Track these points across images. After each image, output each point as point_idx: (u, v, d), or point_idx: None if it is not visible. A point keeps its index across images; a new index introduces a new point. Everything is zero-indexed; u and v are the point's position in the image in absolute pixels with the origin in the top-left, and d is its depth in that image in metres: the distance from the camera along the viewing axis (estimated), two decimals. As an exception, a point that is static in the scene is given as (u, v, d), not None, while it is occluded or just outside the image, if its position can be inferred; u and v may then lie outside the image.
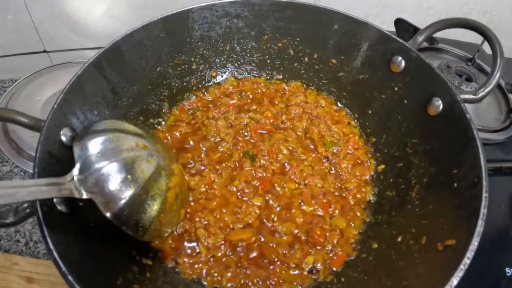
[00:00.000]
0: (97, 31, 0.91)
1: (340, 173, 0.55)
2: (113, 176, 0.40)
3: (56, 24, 0.88)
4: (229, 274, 0.47)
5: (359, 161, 0.57)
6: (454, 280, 0.35)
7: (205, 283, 0.47)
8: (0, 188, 0.34)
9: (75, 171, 0.39)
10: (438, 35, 0.67)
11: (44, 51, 0.93)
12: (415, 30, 0.77)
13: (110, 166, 0.41)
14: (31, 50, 0.93)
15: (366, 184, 0.56)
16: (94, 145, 0.41)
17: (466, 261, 0.36)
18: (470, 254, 0.37)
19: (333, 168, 0.56)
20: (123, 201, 0.40)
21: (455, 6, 0.94)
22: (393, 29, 0.82)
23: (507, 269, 0.60)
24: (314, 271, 0.48)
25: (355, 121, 0.63)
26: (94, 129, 0.44)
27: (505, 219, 0.67)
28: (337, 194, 0.54)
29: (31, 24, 0.86)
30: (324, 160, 0.57)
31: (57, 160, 0.43)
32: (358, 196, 0.54)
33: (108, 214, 0.39)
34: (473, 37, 0.84)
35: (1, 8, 0.82)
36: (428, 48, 0.86)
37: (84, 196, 0.38)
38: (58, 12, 0.86)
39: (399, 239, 0.46)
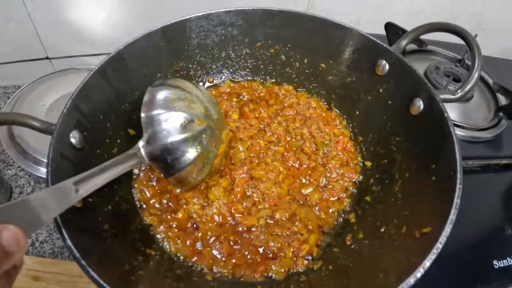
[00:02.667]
0: (98, 38, 0.95)
1: (327, 173, 0.61)
2: (173, 150, 0.51)
3: (58, 32, 0.92)
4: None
5: (346, 161, 0.63)
6: (427, 262, 0.40)
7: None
8: (96, 175, 0.44)
9: (141, 142, 0.51)
10: (429, 37, 0.72)
11: (47, 58, 0.97)
12: (404, 33, 0.82)
13: (172, 142, 0.51)
14: (33, 57, 0.97)
15: (352, 183, 0.61)
16: (159, 120, 0.51)
17: (439, 245, 0.41)
18: (442, 239, 0.41)
19: (322, 167, 0.62)
20: (179, 171, 0.52)
21: (445, 9, 0.98)
22: (384, 32, 0.87)
23: (494, 262, 0.64)
24: (311, 258, 0.53)
25: (345, 122, 0.68)
26: (159, 100, 0.52)
27: (494, 213, 0.71)
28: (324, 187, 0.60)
29: (34, 31, 0.90)
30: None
31: (67, 160, 0.48)
32: (343, 195, 0.60)
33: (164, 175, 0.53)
34: (459, 39, 0.90)
35: (4, 17, 0.87)
36: (418, 50, 0.90)
37: (147, 162, 0.51)
38: (60, 20, 0.90)
39: (382, 230, 0.51)
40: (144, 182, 0.58)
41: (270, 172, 0.59)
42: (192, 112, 0.53)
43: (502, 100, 0.84)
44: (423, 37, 0.71)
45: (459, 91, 0.57)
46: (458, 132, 0.75)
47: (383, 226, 0.51)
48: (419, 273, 0.39)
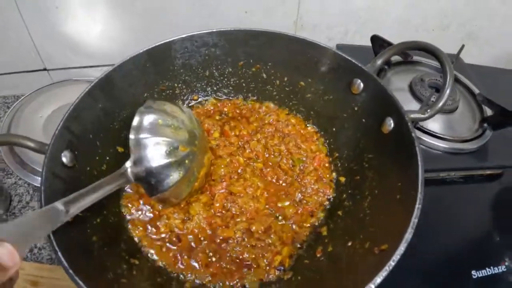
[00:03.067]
0: (94, 50, 0.99)
1: (303, 189, 0.66)
2: (157, 174, 0.56)
3: (56, 44, 0.96)
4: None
5: (322, 177, 0.67)
6: (378, 279, 0.43)
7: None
8: (85, 196, 0.49)
9: (129, 163, 0.55)
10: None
11: (45, 69, 1.02)
12: (390, 45, 0.85)
13: (156, 166, 0.55)
14: (32, 68, 1.01)
15: (326, 198, 0.66)
16: (146, 144, 0.55)
17: (391, 263, 0.44)
18: (396, 257, 0.44)
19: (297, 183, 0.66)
20: (161, 192, 0.56)
21: (434, 18, 1.01)
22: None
23: (473, 272, 0.66)
24: (282, 268, 0.58)
25: (322, 139, 0.72)
26: (146, 124, 0.57)
27: (474, 224, 0.74)
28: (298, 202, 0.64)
29: (32, 44, 0.95)
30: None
31: (59, 179, 0.54)
32: (318, 209, 0.64)
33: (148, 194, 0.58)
34: (451, 48, 0.91)
35: (2, 28, 0.91)
36: (404, 62, 0.92)
37: (133, 182, 0.56)
38: (57, 32, 0.94)
39: (349, 244, 0.55)
40: (131, 197, 0.64)
41: (248, 187, 0.63)
42: (177, 138, 0.57)
43: (488, 110, 0.85)
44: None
45: (428, 110, 0.60)
46: (441, 144, 0.78)
47: (350, 240, 0.55)
48: (369, 288, 0.43)
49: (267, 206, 0.64)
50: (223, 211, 0.62)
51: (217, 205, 0.62)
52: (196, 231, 0.60)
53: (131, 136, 0.56)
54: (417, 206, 0.49)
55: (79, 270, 0.45)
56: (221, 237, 0.60)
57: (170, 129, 0.58)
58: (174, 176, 0.57)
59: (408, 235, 0.46)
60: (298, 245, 0.61)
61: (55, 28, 0.94)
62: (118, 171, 0.55)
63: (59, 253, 0.46)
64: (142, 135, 0.56)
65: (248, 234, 0.60)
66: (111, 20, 0.94)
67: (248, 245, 0.59)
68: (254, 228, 0.60)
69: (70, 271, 0.45)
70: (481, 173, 0.81)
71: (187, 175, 0.58)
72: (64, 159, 0.55)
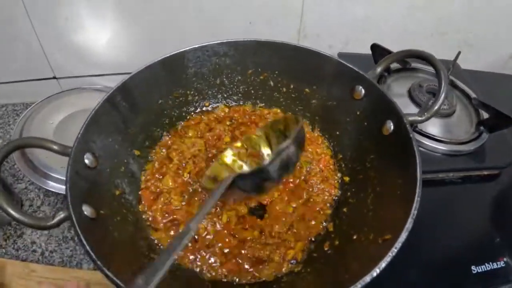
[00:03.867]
0: (102, 60, 1.06)
1: (309, 189, 0.72)
2: None
3: (65, 53, 1.02)
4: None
5: (327, 177, 0.73)
6: (383, 264, 0.48)
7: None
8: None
9: None
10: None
11: (54, 78, 1.08)
12: (389, 53, 0.90)
13: None
14: (41, 77, 1.07)
15: (332, 197, 0.72)
16: None
17: (394, 249, 0.49)
18: (398, 245, 0.49)
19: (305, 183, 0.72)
20: None
21: (430, 26, 1.07)
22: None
23: (473, 267, 0.72)
24: (295, 262, 0.64)
25: (327, 141, 0.79)
26: None
27: (472, 222, 0.80)
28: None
29: (42, 52, 1.00)
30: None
31: (82, 178, 0.59)
32: (325, 207, 0.70)
33: None
34: (448, 54, 0.98)
35: (14, 37, 0.97)
36: (403, 69, 0.99)
37: None
38: (67, 42, 1.00)
39: (355, 237, 0.61)
40: (147, 198, 0.70)
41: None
42: None
43: (484, 114, 0.91)
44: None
45: (425, 113, 0.66)
46: (440, 147, 0.83)
47: (356, 234, 0.61)
48: (375, 272, 0.48)
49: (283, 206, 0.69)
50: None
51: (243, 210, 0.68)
52: (213, 234, 0.66)
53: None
54: (416, 199, 0.54)
55: (105, 262, 0.50)
56: (240, 238, 0.65)
57: None
58: None
59: (409, 225, 0.51)
60: (310, 240, 0.67)
61: (65, 38, 0.99)
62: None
63: (87, 246, 0.51)
64: None
65: (267, 233, 0.66)
66: (119, 31, 1.00)
67: (265, 243, 0.65)
68: (277, 227, 0.66)
69: (98, 262, 0.49)
70: (478, 173, 0.86)
71: None
72: (86, 161, 0.61)
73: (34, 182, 0.84)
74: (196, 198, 0.70)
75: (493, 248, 0.76)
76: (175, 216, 0.68)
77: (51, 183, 0.84)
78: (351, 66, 0.72)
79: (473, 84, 1.01)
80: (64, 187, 0.82)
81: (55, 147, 0.61)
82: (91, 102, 0.99)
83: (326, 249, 0.64)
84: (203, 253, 0.64)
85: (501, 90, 1.10)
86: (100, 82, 1.11)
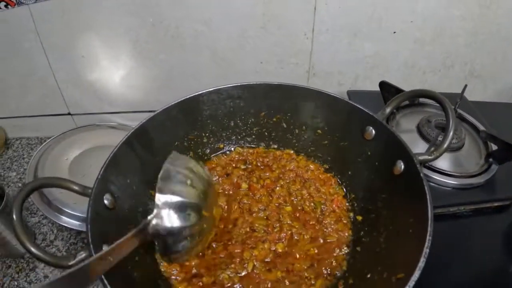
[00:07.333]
0: (117, 97, 1.14)
1: (324, 229, 0.77)
2: (176, 235, 0.64)
3: (80, 90, 1.10)
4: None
5: (341, 218, 0.78)
6: None
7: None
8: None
9: (153, 219, 0.62)
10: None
11: (69, 114, 1.16)
12: (397, 90, 0.96)
13: (178, 227, 0.63)
14: (56, 112, 1.16)
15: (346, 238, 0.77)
16: (171, 204, 0.63)
17: None
18: (411, 283, 0.54)
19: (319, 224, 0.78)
20: (174, 254, 0.66)
21: (438, 60, 1.14)
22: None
23: None
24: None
25: (339, 182, 0.85)
26: (174, 184, 0.65)
27: (485, 255, 0.82)
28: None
29: (57, 88, 1.09)
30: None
31: (102, 219, 0.64)
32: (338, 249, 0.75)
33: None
34: (456, 87, 1.05)
35: (30, 73, 1.05)
36: (412, 104, 1.05)
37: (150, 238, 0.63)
38: (82, 79, 1.08)
39: (368, 276, 0.65)
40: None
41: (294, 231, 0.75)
42: (200, 202, 0.67)
43: (493, 145, 0.95)
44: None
45: (435, 152, 0.71)
46: (450, 181, 0.88)
47: (369, 272, 0.66)
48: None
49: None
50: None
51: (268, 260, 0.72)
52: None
53: (157, 194, 0.63)
54: (427, 238, 0.59)
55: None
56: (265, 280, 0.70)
57: (196, 190, 0.68)
58: (192, 239, 0.66)
59: (421, 264, 0.56)
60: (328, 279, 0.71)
61: (81, 75, 1.08)
62: (140, 225, 0.62)
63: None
64: (167, 194, 0.64)
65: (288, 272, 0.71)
66: (134, 70, 1.09)
67: (288, 282, 0.69)
68: (298, 265, 0.71)
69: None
70: (489, 205, 0.90)
71: (203, 238, 0.69)
72: (106, 202, 0.66)
73: (48, 217, 0.88)
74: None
75: (508, 281, 0.78)
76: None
77: (65, 218, 0.88)
78: (361, 107, 0.79)
79: (481, 116, 1.07)
80: (77, 223, 0.90)
81: (75, 187, 0.67)
82: (106, 139, 1.06)
83: (340, 287, 0.69)
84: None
85: (509, 120, 1.15)
86: (114, 120, 1.19)
